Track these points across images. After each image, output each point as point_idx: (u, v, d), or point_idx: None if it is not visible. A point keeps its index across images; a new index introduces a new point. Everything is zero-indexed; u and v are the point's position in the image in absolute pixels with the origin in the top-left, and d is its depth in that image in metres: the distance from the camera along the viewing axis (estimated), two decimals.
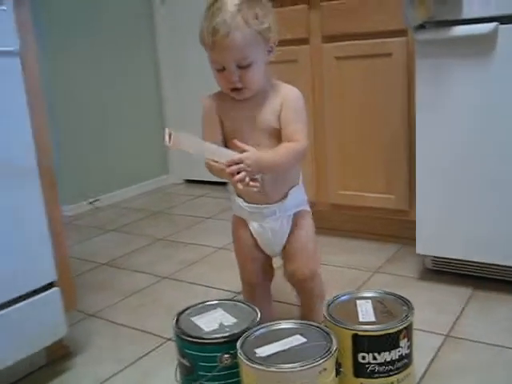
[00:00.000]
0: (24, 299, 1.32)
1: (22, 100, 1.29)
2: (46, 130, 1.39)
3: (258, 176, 1.21)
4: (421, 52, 1.64)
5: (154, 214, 2.87)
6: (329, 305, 1.22)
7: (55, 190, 1.43)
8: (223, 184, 3.29)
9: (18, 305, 1.31)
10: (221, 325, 1.19)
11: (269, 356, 1.04)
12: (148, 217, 2.83)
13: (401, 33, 1.89)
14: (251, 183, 1.18)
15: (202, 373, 1.15)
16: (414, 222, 1.77)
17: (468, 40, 1.55)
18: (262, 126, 1.29)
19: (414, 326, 1.19)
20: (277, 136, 1.29)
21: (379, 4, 1.92)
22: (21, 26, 1.29)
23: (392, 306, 1.20)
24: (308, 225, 1.39)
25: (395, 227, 2.13)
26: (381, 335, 1.10)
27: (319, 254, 1.41)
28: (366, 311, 1.19)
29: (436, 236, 1.73)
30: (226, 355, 1.12)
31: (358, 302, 1.23)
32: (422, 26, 1.60)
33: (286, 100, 1.28)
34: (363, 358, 1.11)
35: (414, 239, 1.77)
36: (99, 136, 3.08)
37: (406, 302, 1.19)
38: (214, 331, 1.17)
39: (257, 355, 1.05)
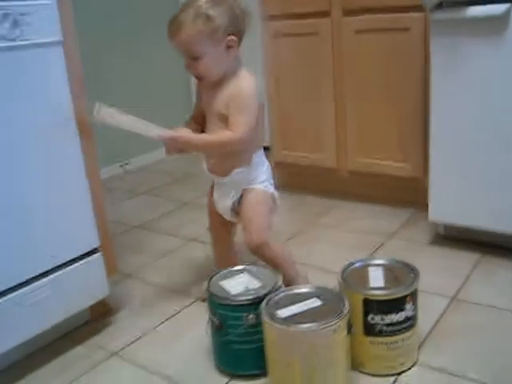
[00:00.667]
0: (70, 264, 1.47)
1: (65, 86, 1.41)
2: (84, 110, 1.52)
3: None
4: (436, 31, 1.71)
5: (182, 177, 3.01)
6: (344, 270, 1.36)
7: (95, 155, 1.55)
8: None
9: (65, 269, 1.46)
10: (246, 288, 1.34)
11: (289, 316, 1.19)
12: (176, 180, 2.97)
13: (419, 8, 1.96)
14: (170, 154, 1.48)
15: (230, 330, 1.31)
16: (427, 190, 1.88)
17: (483, 20, 1.62)
18: (215, 111, 1.49)
19: (423, 289, 1.33)
20: (225, 120, 1.45)
21: None
22: (63, 18, 1.40)
23: (400, 272, 1.33)
24: (255, 200, 1.54)
25: (410, 194, 2.24)
26: (388, 299, 1.24)
27: (267, 227, 1.54)
28: (376, 277, 1.32)
29: (448, 204, 1.83)
30: (251, 315, 1.28)
31: (369, 268, 1.36)
32: (439, 5, 1.68)
33: (234, 94, 1.44)
34: (372, 318, 1.25)
35: (427, 206, 1.88)
36: (131, 105, 3.19)
37: (412, 270, 1.32)
38: (240, 293, 1.32)
39: (278, 315, 1.20)
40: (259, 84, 1.50)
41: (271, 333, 1.20)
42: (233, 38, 1.41)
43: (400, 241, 2.00)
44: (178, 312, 1.66)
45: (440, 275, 1.71)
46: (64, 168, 1.43)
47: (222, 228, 1.68)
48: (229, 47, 1.42)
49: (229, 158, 1.52)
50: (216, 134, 1.47)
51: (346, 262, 1.39)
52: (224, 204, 1.58)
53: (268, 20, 2.40)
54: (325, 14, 2.22)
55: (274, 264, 1.52)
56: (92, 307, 1.61)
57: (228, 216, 1.60)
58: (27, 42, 1.31)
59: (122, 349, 1.51)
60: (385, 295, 1.25)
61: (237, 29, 1.42)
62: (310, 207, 2.40)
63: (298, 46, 2.34)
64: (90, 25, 2.81)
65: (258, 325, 1.26)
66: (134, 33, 3.15)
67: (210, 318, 1.36)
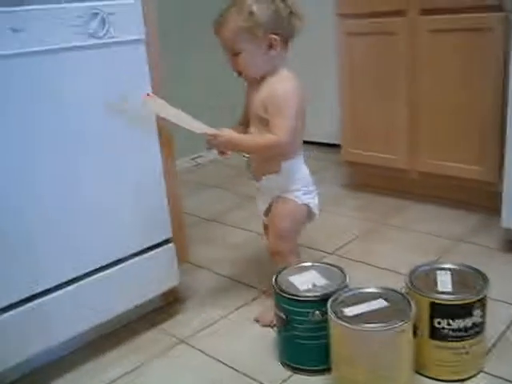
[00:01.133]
0: (144, 253, 1.54)
1: (147, 83, 1.47)
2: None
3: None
4: None
5: None
6: (412, 273, 1.36)
7: (172, 146, 1.62)
8: (317, 144, 3.41)
9: (138, 257, 1.53)
10: (314, 285, 1.36)
11: (355, 315, 1.21)
12: (245, 174, 3.01)
13: (498, 8, 1.91)
14: (222, 155, 1.51)
15: (295, 325, 1.34)
16: (501, 194, 1.83)
17: None
18: (254, 113, 1.50)
19: (493, 297, 1.32)
20: (265, 123, 1.45)
21: None
22: (147, 17, 1.46)
23: (469, 278, 1.31)
24: (281, 210, 1.55)
25: (482, 198, 2.20)
26: (456, 304, 1.24)
27: (286, 237, 1.55)
28: (444, 281, 1.31)
29: None
30: (317, 312, 1.30)
31: (437, 272, 1.35)
32: None
33: (271, 95, 1.44)
34: (439, 323, 1.25)
35: (499, 211, 1.83)
36: (201, 105, 3.27)
37: (482, 276, 1.31)
38: (308, 290, 1.35)
39: (344, 314, 1.22)
40: (302, 86, 1.48)
41: (337, 330, 1.22)
42: (275, 37, 1.41)
43: (469, 245, 1.97)
44: (246, 304, 1.71)
45: (510, 283, 1.67)
46: (140, 159, 1.50)
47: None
48: (270, 46, 1.43)
49: (260, 162, 1.55)
50: (260, 136, 1.47)
51: (414, 265, 1.39)
52: (260, 208, 1.62)
53: (342, 18, 2.40)
54: (401, 13, 2.20)
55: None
56: (163, 294, 1.68)
57: (263, 219, 1.64)
58: (113, 40, 1.38)
59: (189, 336, 1.57)
60: (453, 300, 1.24)
61: (281, 29, 1.42)
62: (378, 207, 2.39)
63: (373, 45, 2.33)
64: (172, 24, 2.90)
65: (323, 321, 1.28)
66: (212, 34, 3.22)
67: (275, 313, 1.40)
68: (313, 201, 1.57)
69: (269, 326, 1.55)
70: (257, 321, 1.60)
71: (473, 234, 2.05)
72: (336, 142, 2.84)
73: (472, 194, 2.24)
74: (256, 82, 1.49)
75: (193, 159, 3.28)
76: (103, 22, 1.36)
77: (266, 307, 1.59)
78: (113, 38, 1.38)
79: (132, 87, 1.42)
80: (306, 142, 3.45)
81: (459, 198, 2.29)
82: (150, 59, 1.48)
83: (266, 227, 1.68)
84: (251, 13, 1.39)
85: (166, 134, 1.58)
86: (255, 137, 1.50)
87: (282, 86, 1.45)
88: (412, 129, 2.30)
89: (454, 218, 2.19)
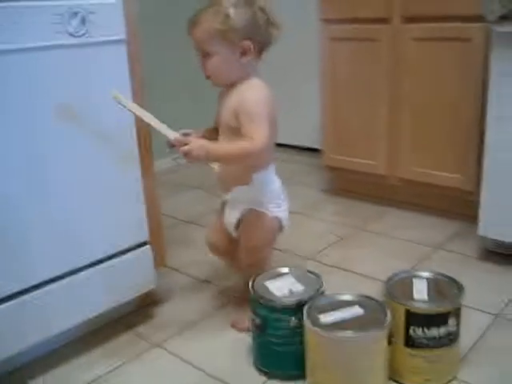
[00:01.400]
0: (119, 255, 1.52)
1: (127, 84, 1.45)
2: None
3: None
4: (498, 42, 1.69)
5: None
6: (388, 280, 1.36)
7: (149, 145, 1.60)
8: (297, 148, 3.41)
9: (113, 260, 1.51)
10: (290, 291, 1.36)
11: (330, 323, 1.21)
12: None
13: (480, 18, 1.92)
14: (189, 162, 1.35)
15: (270, 331, 1.33)
16: (478, 203, 1.84)
17: None
18: (223, 121, 1.45)
19: (467, 304, 1.32)
20: (235, 132, 1.39)
21: None
22: (128, 17, 1.45)
23: (444, 287, 1.32)
24: (256, 223, 1.49)
25: (461, 206, 2.21)
26: (431, 314, 1.24)
27: (259, 250, 1.50)
28: (420, 289, 1.32)
29: (499, 219, 1.80)
30: (293, 318, 1.30)
31: (414, 280, 1.36)
32: (502, 17, 1.64)
33: (242, 103, 1.38)
34: (414, 331, 1.25)
35: (477, 219, 1.85)
36: (184, 107, 3.25)
37: (457, 285, 1.31)
38: (284, 296, 1.34)
39: (320, 321, 1.21)
40: (272, 94, 1.42)
41: (312, 337, 1.22)
42: (249, 43, 1.37)
43: (447, 253, 1.98)
44: (222, 308, 1.70)
45: (485, 291, 1.68)
46: (117, 159, 1.47)
47: (228, 243, 1.61)
48: (243, 53, 1.38)
49: (229, 173, 1.49)
50: (235, 144, 1.38)
51: (391, 272, 1.39)
52: (228, 221, 1.56)
53: (325, 23, 2.40)
54: (384, 20, 2.21)
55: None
56: (139, 297, 1.66)
57: (232, 232, 1.57)
58: (92, 40, 1.37)
59: (164, 340, 1.55)
60: (428, 309, 1.25)
61: (257, 36, 1.38)
62: (358, 212, 2.39)
63: (355, 51, 2.34)
64: (153, 24, 2.87)
65: (299, 328, 1.28)
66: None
67: (252, 318, 1.39)
68: (284, 214, 1.53)
69: (245, 331, 1.54)
70: (232, 326, 1.58)
71: (451, 241, 2.07)
72: (317, 147, 2.85)
73: (452, 202, 2.26)
74: (225, 90, 1.46)
75: (174, 159, 3.25)
76: (83, 21, 1.34)
77: (241, 313, 1.58)
78: (93, 37, 1.36)
79: (112, 87, 1.40)
80: (286, 146, 3.47)
81: (439, 206, 2.30)
82: (131, 59, 1.47)
83: (215, 248, 1.65)
84: (227, 16, 1.34)
85: (143, 133, 1.56)
86: (230, 145, 1.41)
87: (253, 93, 1.40)
88: (393, 135, 2.31)
89: (433, 226, 2.20)
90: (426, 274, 1.38)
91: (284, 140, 3.52)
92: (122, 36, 1.43)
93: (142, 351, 1.51)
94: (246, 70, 1.42)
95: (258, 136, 1.34)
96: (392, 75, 2.24)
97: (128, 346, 1.54)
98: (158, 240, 1.67)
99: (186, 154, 1.31)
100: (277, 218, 1.51)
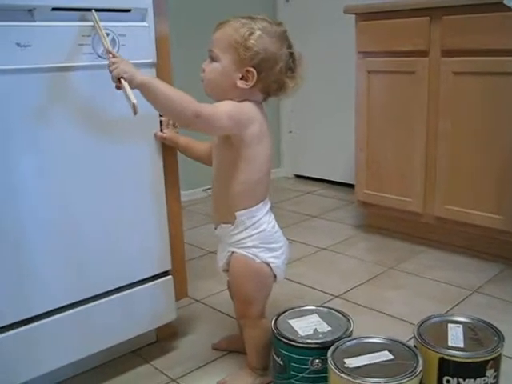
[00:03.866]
0: (140, 284, 1.47)
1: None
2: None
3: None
4: None
5: None
6: (421, 324, 1.28)
7: (176, 174, 1.55)
8: (332, 183, 3.37)
9: (133, 289, 1.46)
10: (315, 331, 1.28)
11: (357, 367, 1.12)
12: None
13: None
14: (118, 84, 1.20)
15: (293, 372, 1.25)
16: None
17: None
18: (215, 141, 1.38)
19: (507, 354, 1.22)
20: (225, 143, 1.31)
21: (501, 22, 1.90)
22: (159, 40, 1.43)
23: (483, 334, 1.23)
24: (236, 270, 1.37)
25: (500, 248, 2.11)
26: (467, 362, 1.15)
27: (249, 302, 1.37)
28: (456, 336, 1.23)
29: None
30: (317, 360, 1.22)
31: (449, 325, 1.27)
32: None
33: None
34: (447, 381, 1.16)
35: None
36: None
37: (497, 332, 1.22)
38: (309, 336, 1.26)
39: (345, 365, 1.13)
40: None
41: (336, 382, 1.13)
42: (253, 71, 1.27)
43: (485, 297, 1.87)
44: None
45: None
46: (142, 187, 1.44)
47: None
48: (243, 77, 1.28)
49: (217, 206, 1.42)
50: (182, 92, 1.23)
51: (424, 315, 1.30)
52: (219, 259, 1.45)
53: (363, 56, 2.37)
54: (423, 53, 2.16)
55: (247, 343, 1.42)
56: (158, 329, 1.61)
57: (225, 275, 1.46)
58: None
59: (181, 376, 1.48)
60: (464, 357, 1.15)
61: (265, 72, 1.28)
62: (390, 251, 2.31)
63: (393, 84, 2.29)
64: (184, 47, 2.88)
65: (323, 371, 1.20)
66: None
67: (273, 358, 1.31)
68: (277, 261, 1.36)
69: None
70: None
71: (489, 285, 1.96)
72: (350, 182, 2.79)
73: (490, 242, 2.15)
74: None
75: (204, 190, 3.23)
76: (114, 43, 1.32)
77: (234, 371, 1.47)
78: None
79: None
80: (322, 181, 3.46)
81: (476, 247, 2.20)
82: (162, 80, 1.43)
83: (228, 286, 1.54)
84: (251, 34, 1.27)
85: (171, 161, 1.52)
86: (175, 89, 1.25)
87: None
88: (429, 172, 2.23)
89: (469, 267, 2.10)
90: (462, 319, 1.29)
91: (319, 174, 3.49)
92: (153, 59, 1.41)
93: None
94: (235, 95, 1.30)
95: (216, 106, 1.26)
96: (429, 109, 2.18)
97: (145, 379, 1.48)
98: (180, 270, 1.62)
99: (110, 66, 1.20)
100: (267, 264, 1.35)
